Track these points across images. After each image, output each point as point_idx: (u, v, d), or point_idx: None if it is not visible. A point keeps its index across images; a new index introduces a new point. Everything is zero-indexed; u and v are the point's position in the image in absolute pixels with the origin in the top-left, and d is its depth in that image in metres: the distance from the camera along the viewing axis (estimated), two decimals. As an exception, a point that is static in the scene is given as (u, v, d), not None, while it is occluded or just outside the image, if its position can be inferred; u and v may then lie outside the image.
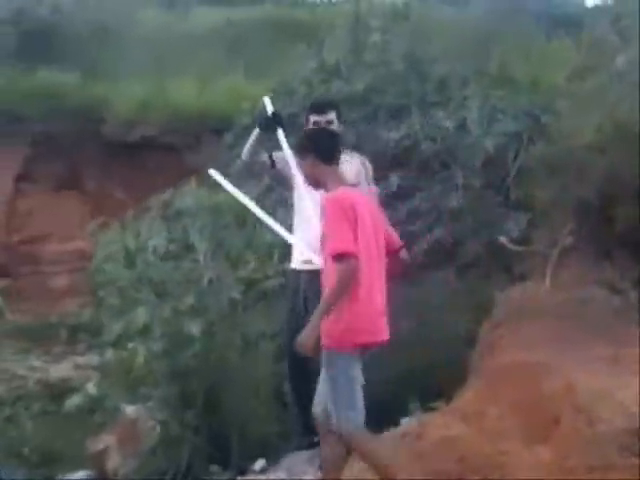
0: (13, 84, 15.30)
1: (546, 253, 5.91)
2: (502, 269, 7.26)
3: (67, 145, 14.81)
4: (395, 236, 5.60)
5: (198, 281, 7.22)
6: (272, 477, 5.68)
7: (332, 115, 6.23)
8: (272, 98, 10.20)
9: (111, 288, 8.27)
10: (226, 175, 6.63)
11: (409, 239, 8.39)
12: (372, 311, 5.04)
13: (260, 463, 6.13)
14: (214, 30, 17.46)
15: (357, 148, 9.08)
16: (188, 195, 8.53)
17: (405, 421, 5.86)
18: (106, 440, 7.13)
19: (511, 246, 6.55)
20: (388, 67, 9.93)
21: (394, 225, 8.28)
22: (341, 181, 5.22)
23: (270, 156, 6.40)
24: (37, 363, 11.08)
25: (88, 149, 14.89)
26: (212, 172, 6.58)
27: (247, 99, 10.82)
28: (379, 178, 8.78)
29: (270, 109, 6.59)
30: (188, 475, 6.11)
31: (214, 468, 6.15)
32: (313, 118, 6.26)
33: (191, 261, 7.72)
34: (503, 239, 6.64)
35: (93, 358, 9.04)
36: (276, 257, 7.48)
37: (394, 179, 8.55)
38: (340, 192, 5.09)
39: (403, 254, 5.61)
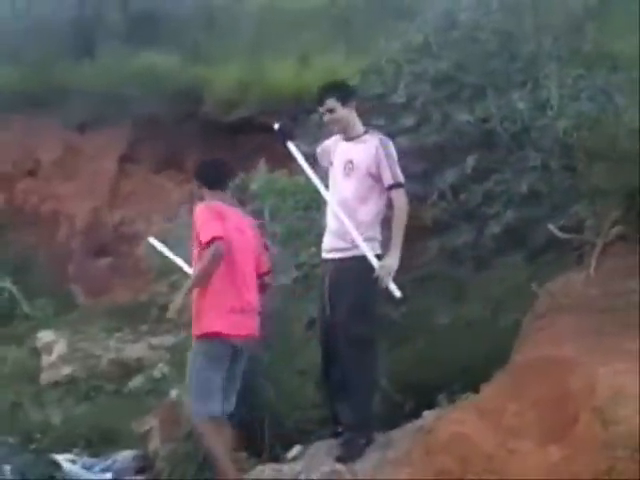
0: (119, 66, 15.64)
1: (594, 242, 5.65)
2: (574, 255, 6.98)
3: (168, 126, 15.03)
4: (266, 261, 6.28)
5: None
6: (292, 466, 5.65)
7: (331, 102, 6.10)
8: (362, 78, 10.07)
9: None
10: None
11: (484, 222, 8.24)
12: (225, 308, 5.79)
13: (296, 450, 6.09)
14: (318, 9, 17.33)
15: (441, 129, 8.96)
16: (258, 178, 8.53)
17: (426, 414, 5.72)
18: (150, 422, 7.23)
19: (560, 234, 6.28)
20: (476, 44, 9.65)
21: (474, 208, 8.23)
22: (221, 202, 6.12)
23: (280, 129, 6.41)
24: (113, 343, 11.25)
25: (188, 130, 15.05)
26: (151, 240, 7.02)
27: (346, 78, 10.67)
28: (456, 160, 8.64)
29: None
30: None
31: (242, 455, 6.13)
32: (320, 109, 6.24)
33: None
34: (551, 226, 6.38)
35: (169, 339, 9.16)
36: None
37: (470, 161, 8.34)
38: (212, 203, 6.05)
39: (268, 279, 6.33)
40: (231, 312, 5.79)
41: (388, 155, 5.96)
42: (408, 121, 9.17)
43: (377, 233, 5.99)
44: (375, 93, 9.61)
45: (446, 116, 8.93)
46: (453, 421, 4.25)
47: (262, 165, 8.86)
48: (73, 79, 15.97)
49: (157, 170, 15.83)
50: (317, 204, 8.02)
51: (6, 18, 18.93)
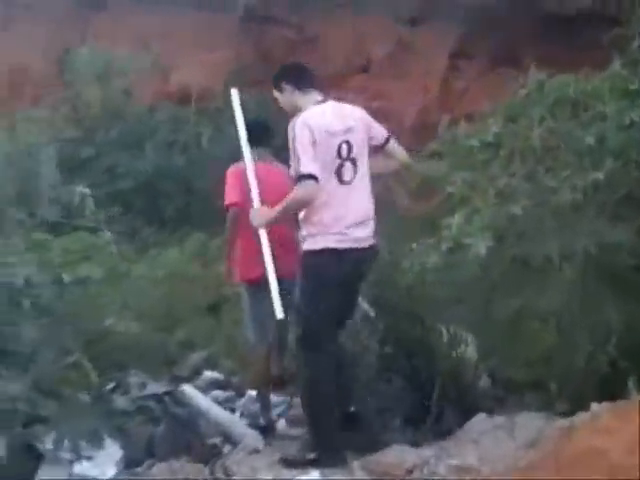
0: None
1: None
2: None
3: (502, 20, 14.11)
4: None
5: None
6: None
7: (274, 93, 6.40)
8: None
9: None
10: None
11: None
12: (254, 255, 6.36)
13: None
14: None
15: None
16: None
17: (593, 407, 4.66)
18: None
19: None
20: None
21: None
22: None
23: None
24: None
25: (524, 23, 14.02)
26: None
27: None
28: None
29: None
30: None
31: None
32: None
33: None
34: None
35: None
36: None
37: None
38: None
39: None
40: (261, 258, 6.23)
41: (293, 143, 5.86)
42: None
43: (321, 225, 5.96)
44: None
45: None
46: (597, 429, 3.34)
47: (533, 69, 7.79)
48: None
49: (491, 67, 14.96)
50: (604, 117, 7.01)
51: None
